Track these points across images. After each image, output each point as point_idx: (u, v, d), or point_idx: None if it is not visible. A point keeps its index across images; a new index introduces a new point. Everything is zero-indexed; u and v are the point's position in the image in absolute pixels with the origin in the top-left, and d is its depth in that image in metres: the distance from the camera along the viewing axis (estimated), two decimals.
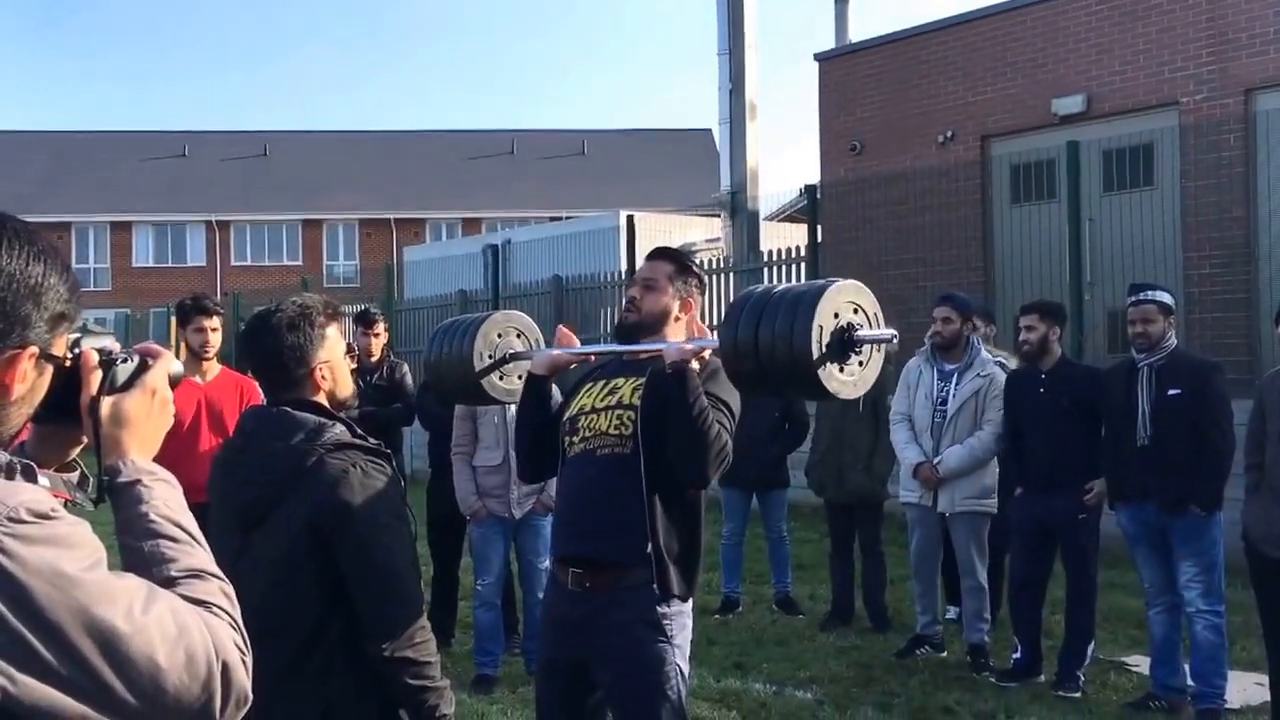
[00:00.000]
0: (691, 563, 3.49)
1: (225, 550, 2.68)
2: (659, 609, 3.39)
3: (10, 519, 1.30)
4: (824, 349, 3.05)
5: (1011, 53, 13.43)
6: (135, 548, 1.50)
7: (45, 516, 1.33)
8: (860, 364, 3.19)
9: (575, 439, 3.57)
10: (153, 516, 1.52)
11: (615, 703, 3.49)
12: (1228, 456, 5.59)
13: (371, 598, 2.61)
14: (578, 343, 3.91)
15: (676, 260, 3.73)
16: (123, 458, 1.58)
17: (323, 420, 2.71)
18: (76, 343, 1.57)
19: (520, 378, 3.84)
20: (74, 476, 1.62)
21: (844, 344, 3.10)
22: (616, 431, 3.48)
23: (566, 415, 3.64)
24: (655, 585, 3.39)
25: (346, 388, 2.84)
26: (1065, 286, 10.73)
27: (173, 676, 1.36)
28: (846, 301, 3.16)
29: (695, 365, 3.40)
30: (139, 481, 1.56)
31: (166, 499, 1.56)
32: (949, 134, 13.89)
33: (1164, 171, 12.01)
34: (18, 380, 1.45)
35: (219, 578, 1.52)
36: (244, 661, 1.45)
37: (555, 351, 3.76)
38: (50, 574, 1.30)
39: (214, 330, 6.14)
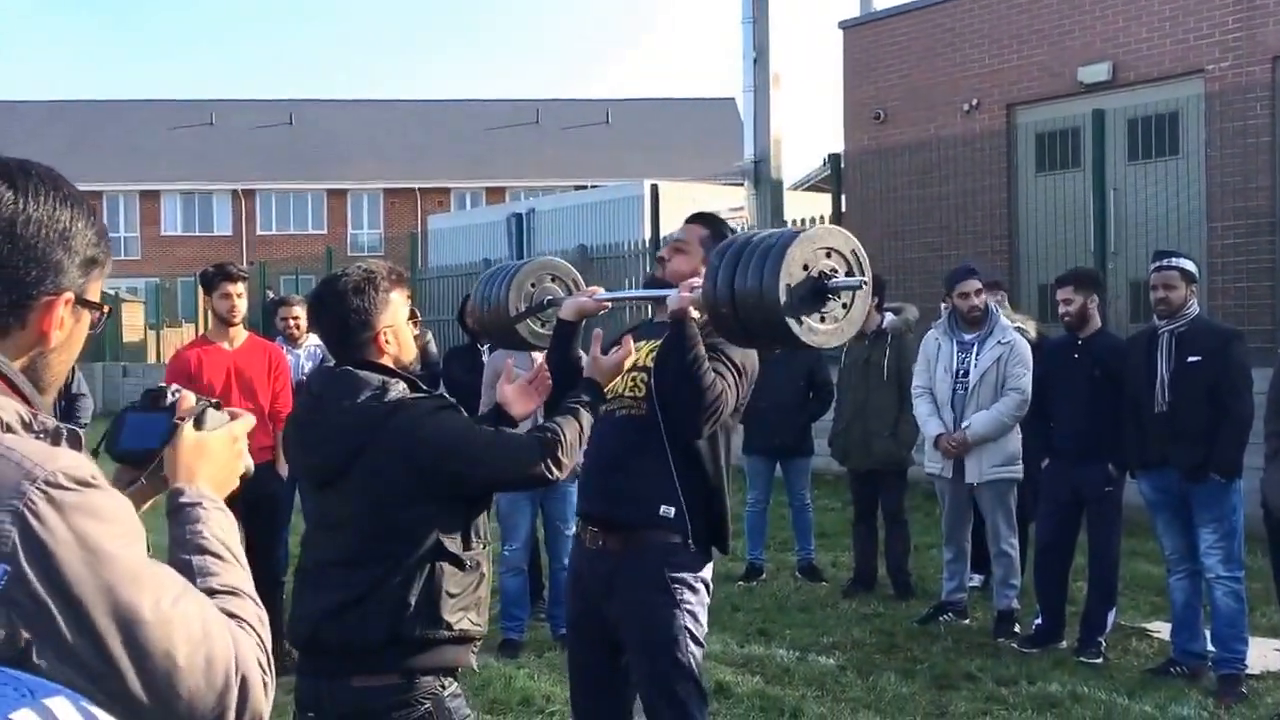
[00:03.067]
0: (716, 515, 3.56)
1: (306, 501, 2.95)
2: (670, 574, 3.46)
3: (47, 483, 1.27)
4: (794, 300, 3.03)
5: (1037, 20, 13.34)
6: (184, 561, 1.51)
7: (84, 483, 1.30)
8: (844, 306, 3.15)
9: None
10: (205, 534, 1.54)
11: (632, 661, 3.59)
12: (1246, 424, 5.61)
13: (499, 466, 2.91)
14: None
15: (711, 225, 3.78)
16: (191, 483, 1.61)
17: (386, 379, 2.86)
18: (177, 390, 1.70)
19: None
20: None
21: (816, 291, 3.07)
22: (631, 393, 3.57)
23: None
24: (682, 552, 3.46)
25: (410, 352, 2.99)
26: (1089, 256, 10.70)
27: (189, 680, 1.32)
28: (818, 249, 3.10)
29: (696, 314, 3.43)
30: (200, 504, 1.58)
31: (221, 525, 1.57)
32: (974, 102, 13.82)
33: (1189, 140, 11.94)
34: (55, 326, 1.44)
35: (255, 602, 1.52)
36: (265, 683, 1.42)
37: (582, 299, 3.87)
38: (82, 546, 1.27)
39: (239, 296, 6.20)
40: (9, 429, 1.36)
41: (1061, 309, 6.25)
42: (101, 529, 1.29)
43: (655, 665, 3.48)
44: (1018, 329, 6.73)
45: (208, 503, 1.59)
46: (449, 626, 2.85)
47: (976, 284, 6.68)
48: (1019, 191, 13.26)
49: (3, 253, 1.39)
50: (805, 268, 3.05)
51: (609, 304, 3.98)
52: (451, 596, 2.85)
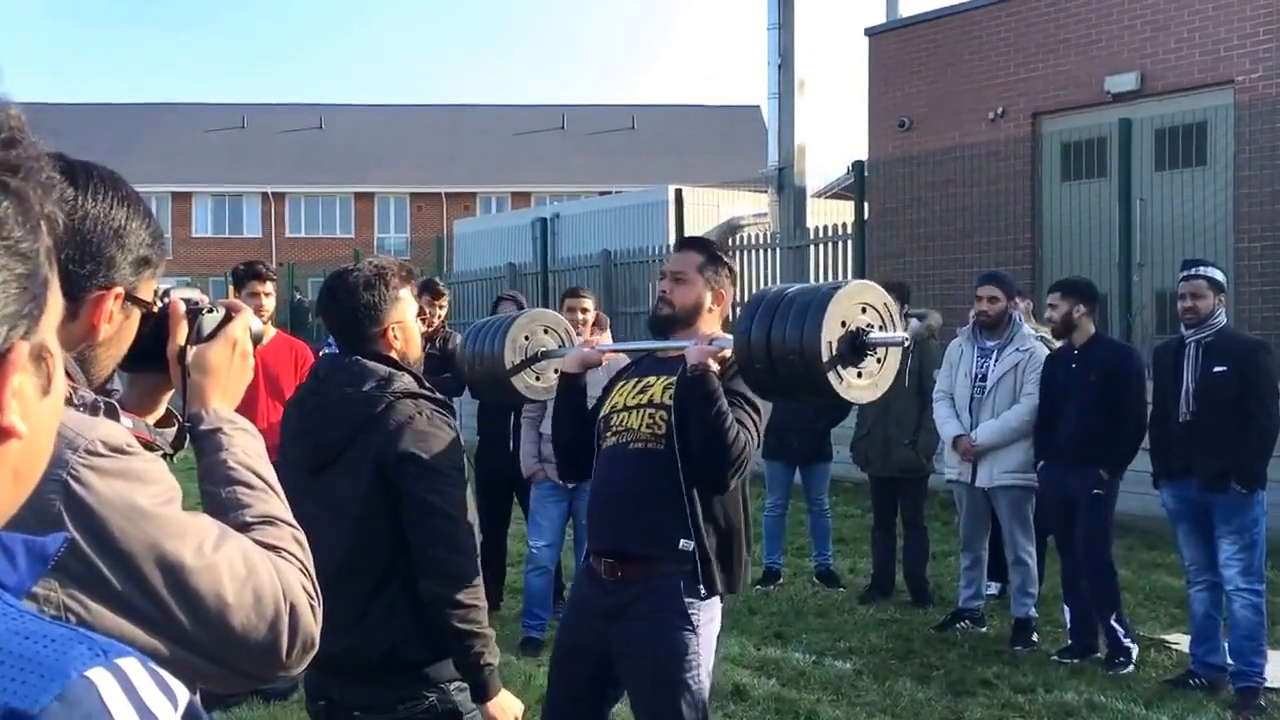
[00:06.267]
0: (733, 556, 3.47)
1: (292, 493, 2.84)
2: (688, 599, 3.39)
3: (87, 451, 1.33)
4: (835, 355, 3.00)
5: (1064, 29, 13.29)
6: (213, 493, 1.56)
7: (121, 451, 1.37)
8: (878, 362, 3.14)
9: (609, 434, 3.59)
10: (231, 464, 1.57)
11: (635, 689, 3.51)
12: (1271, 435, 5.60)
13: (426, 539, 2.75)
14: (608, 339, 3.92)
15: (705, 251, 3.70)
16: (205, 406, 1.63)
17: (393, 370, 2.86)
18: (166, 292, 1.64)
19: (556, 372, 3.89)
20: (171, 432, 1.66)
21: (855, 348, 3.05)
22: (649, 430, 3.48)
23: (601, 414, 3.67)
24: (700, 584, 3.39)
25: (416, 349, 2.98)
26: (1114, 266, 10.67)
27: (240, 615, 1.40)
28: (854, 305, 3.09)
29: (716, 366, 3.37)
30: (220, 430, 1.61)
31: (245, 447, 1.60)
32: (999, 110, 13.78)
33: (1217, 150, 11.88)
34: (104, 320, 1.48)
35: (292, 525, 1.57)
36: (313, 607, 1.49)
37: (585, 350, 3.80)
38: (124, 506, 1.34)
39: (268, 295, 6.28)
40: None
41: (1047, 314, 6.35)
42: (140, 490, 1.36)
43: (665, 685, 3.40)
44: (1040, 338, 6.74)
45: (227, 426, 1.62)
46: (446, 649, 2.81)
47: (992, 290, 6.70)
48: (1044, 200, 13.21)
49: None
50: (843, 324, 3.05)
51: (610, 355, 3.93)
52: None
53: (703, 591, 3.41)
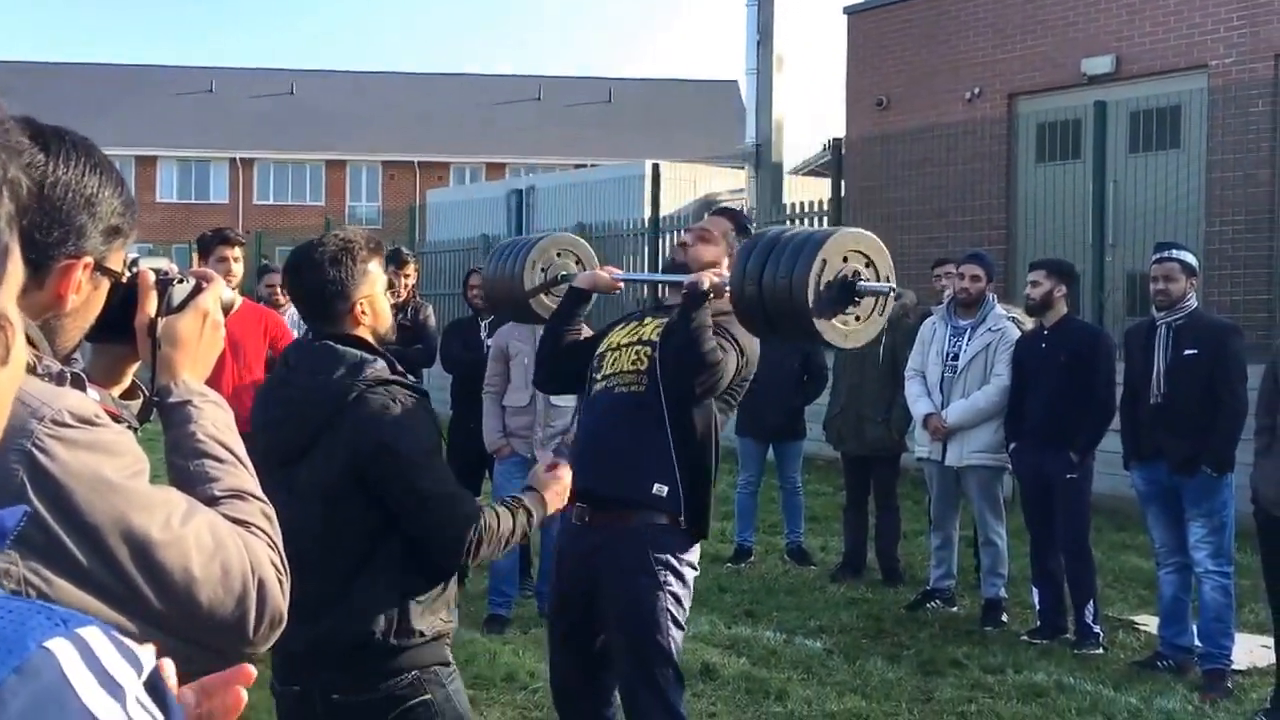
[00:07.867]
0: (701, 499, 3.56)
1: (262, 482, 2.76)
2: (654, 554, 3.47)
3: (54, 421, 1.30)
4: (822, 291, 3.09)
5: (1042, 11, 13.31)
6: (181, 466, 1.52)
7: (89, 422, 1.33)
8: (857, 318, 3.22)
9: (598, 376, 3.69)
10: (200, 436, 1.54)
11: (613, 642, 3.62)
12: (1240, 418, 5.63)
13: (431, 524, 2.71)
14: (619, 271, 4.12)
15: (737, 221, 3.90)
16: (174, 378, 1.59)
17: (364, 355, 2.77)
18: (134, 262, 1.59)
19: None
20: (136, 404, 1.62)
21: (844, 291, 3.14)
22: (634, 367, 3.59)
23: (596, 352, 3.77)
24: (674, 533, 3.49)
25: (386, 322, 2.89)
26: (1087, 247, 10.71)
27: (207, 589, 1.37)
28: (856, 250, 3.17)
29: (708, 283, 3.50)
30: (189, 402, 1.57)
31: (215, 420, 1.57)
32: (976, 91, 13.79)
33: (1190, 134, 11.94)
34: (72, 290, 1.44)
35: (261, 499, 1.54)
36: (281, 582, 1.46)
37: (599, 272, 3.96)
38: (90, 478, 1.30)
39: (236, 260, 6.15)
40: None
41: (1027, 289, 6.36)
42: (108, 462, 1.33)
43: (636, 646, 3.51)
44: (1012, 319, 6.75)
45: (196, 399, 1.58)
46: (420, 634, 2.73)
47: (975, 269, 6.71)
48: (1018, 181, 13.25)
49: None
50: (845, 260, 3.13)
51: (621, 285, 4.09)
52: (419, 602, 2.73)
53: (673, 539, 3.50)
